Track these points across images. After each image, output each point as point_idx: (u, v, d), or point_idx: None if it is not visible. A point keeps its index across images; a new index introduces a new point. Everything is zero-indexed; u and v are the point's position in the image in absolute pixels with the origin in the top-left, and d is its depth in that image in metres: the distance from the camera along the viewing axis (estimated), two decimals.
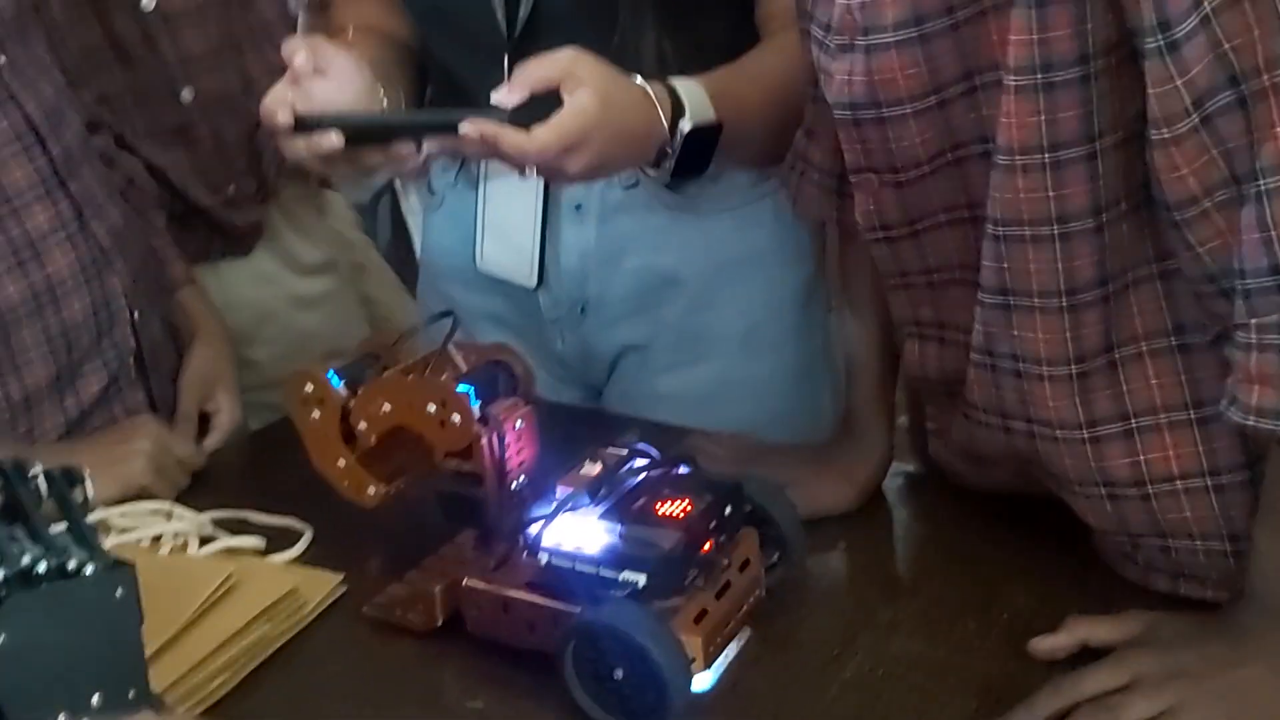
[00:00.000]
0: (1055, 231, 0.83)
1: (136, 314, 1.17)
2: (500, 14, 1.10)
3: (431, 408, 0.86)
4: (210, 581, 0.89)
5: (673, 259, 1.20)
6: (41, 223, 1.09)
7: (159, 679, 0.81)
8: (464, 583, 0.86)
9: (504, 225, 1.21)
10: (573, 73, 0.92)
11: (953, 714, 0.81)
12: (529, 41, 1.08)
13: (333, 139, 0.93)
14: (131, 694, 0.65)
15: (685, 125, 1.00)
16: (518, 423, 0.89)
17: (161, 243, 1.32)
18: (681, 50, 1.08)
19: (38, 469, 0.63)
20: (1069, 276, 0.84)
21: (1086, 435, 0.88)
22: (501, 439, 0.87)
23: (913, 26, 0.84)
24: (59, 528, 0.64)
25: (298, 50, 0.96)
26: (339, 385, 0.91)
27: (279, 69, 0.97)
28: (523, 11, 1.09)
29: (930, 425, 1.02)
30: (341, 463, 0.91)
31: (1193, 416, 0.86)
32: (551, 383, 1.29)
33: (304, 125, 0.93)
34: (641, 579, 0.80)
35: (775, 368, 1.23)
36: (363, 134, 0.95)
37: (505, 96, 0.91)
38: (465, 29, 1.13)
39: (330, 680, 0.87)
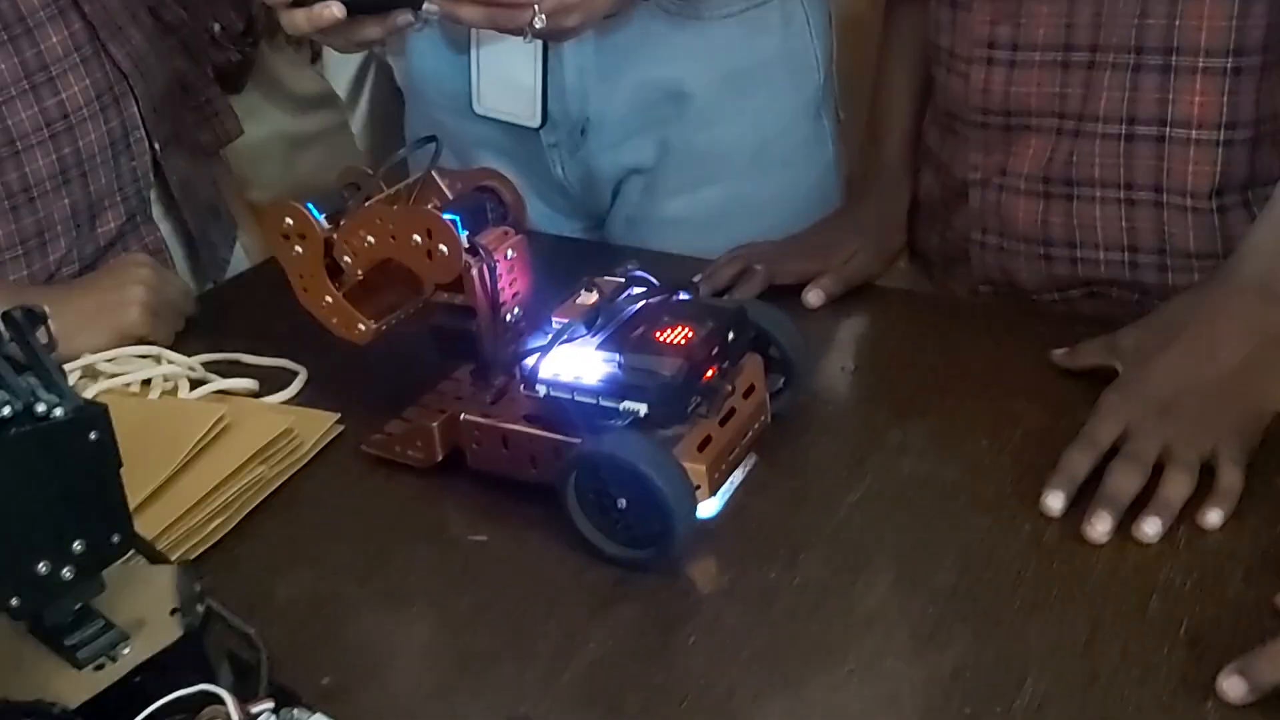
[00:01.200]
0: None
1: (158, 145, 1.13)
2: None
3: (417, 238, 0.83)
4: (203, 423, 0.88)
5: (676, 70, 1.15)
6: (54, 44, 1.05)
7: (154, 523, 0.80)
8: (461, 417, 0.84)
9: (501, 62, 1.16)
10: None
11: (965, 534, 0.79)
12: None
13: (333, 10, 0.91)
14: (115, 539, 0.63)
15: None
16: (509, 252, 0.85)
17: (209, 90, 1.28)
18: None
19: None
20: None
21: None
22: (493, 269, 0.84)
23: None
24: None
25: None
26: (320, 218, 0.86)
27: None
28: None
29: (974, 176, 1.03)
30: (329, 299, 0.87)
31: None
32: (550, 214, 1.26)
33: None
34: (643, 408, 0.78)
35: (787, 185, 1.20)
36: (362, 3, 0.92)
37: None
38: None
39: (330, 519, 0.86)
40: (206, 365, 1.00)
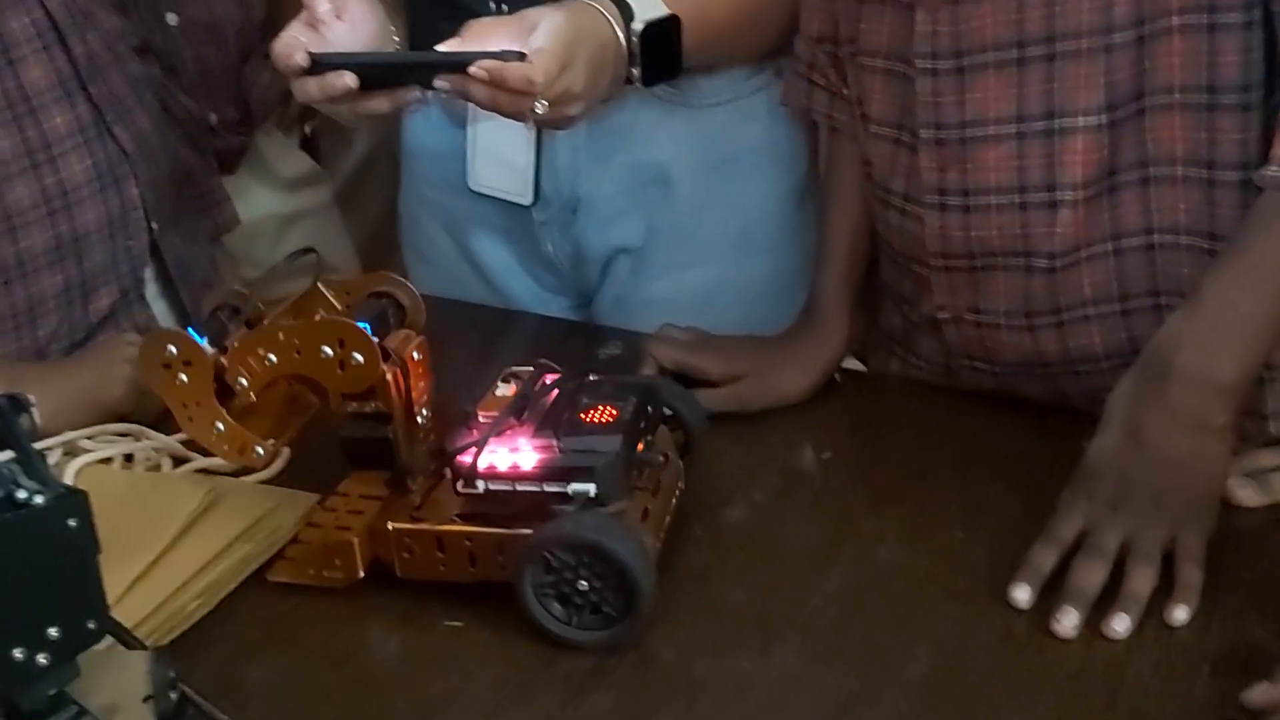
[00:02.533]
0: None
1: (156, 225, 1.15)
2: None
3: (328, 350, 0.80)
4: (191, 498, 0.88)
5: (665, 154, 1.17)
6: (59, 125, 1.07)
7: (139, 603, 0.80)
8: (390, 526, 0.82)
9: (496, 141, 1.18)
10: (526, 15, 0.93)
11: (937, 625, 0.80)
12: None
13: (346, 80, 0.92)
14: (91, 624, 0.64)
15: (637, 25, 0.99)
16: (415, 354, 0.85)
17: (211, 180, 1.31)
18: None
19: None
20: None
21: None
22: (406, 374, 0.84)
23: None
24: (6, 457, 0.62)
25: None
26: (203, 343, 0.85)
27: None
28: None
29: (944, 315, 1.00)
30: (220, 426, 0.84)
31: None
32: (539, 291, 1.27)
33: (318, 67, 0.92)
34: (591, 488, 0.79)
35: (770, 269, 1.21)
36: (374, 75, 0.94)
37: (472, 45, 0.91)
38: None
39: (305, 601, 0.85)
40: (186, 444, 1.01)
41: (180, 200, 1.23)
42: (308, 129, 1.52)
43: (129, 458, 0.98)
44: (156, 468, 0.98)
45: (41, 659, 0.61)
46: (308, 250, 0.89)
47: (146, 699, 0.65)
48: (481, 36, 0.93)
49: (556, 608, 0.80)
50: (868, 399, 1.07)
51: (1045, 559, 0.80)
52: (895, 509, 0.91)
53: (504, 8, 1.09)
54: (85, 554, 0.63)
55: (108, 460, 0.97)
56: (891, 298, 1.10)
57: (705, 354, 1.06)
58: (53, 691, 0.63)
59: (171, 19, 1.32)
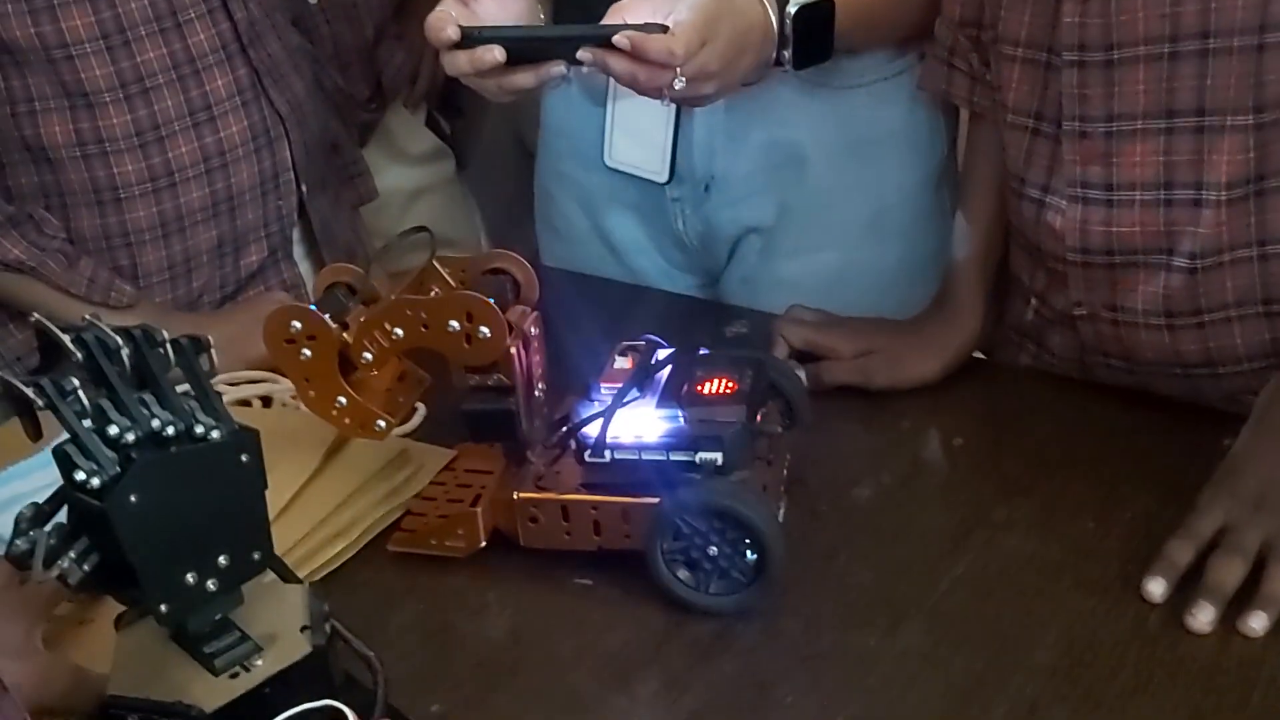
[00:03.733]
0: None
1: (305, 187, 1.20)
2: None
3: (454, 324, 0.82)
4: (326, 435, 0.90)
5: (802, 134, 1.17)
6: (219, 86, 1.13)
7: (281, 536, 0.83)
8: (516, 496, 0.84)
9: (634, 118, 1.20)
10: None
11: (1067, 614, 0.80)
12: None
13: (495, 54, 0.94)
14: (256, 555, 0.67)
15: (791, 8, 0.99)
16: (532, 329, 0.86)
17: (354, 152, 1.36)
18: None
19: (164, 336, 0.65)
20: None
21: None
22: (528, 348, 0.85)
23: None
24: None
25: None
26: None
27: None
28: None
29: (1080, 311, 0.99)
30: (343, 400, 0.86)
31: None
32: (667, 268, 1.29)
33: (468, 41, 0.94)
34: (718, 456, 0.80)
35: (902, 255, 1.21)
36: (522, 49, 0.96)
37: (623, 13, 0.92)
38: None
39: (443, 557, 0.87)
40: None
41: (327, 168, 1.28)
42: (442, 120, 1.56)
43: (266, 402, 1.02)
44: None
45: (210, 584, 0.65)
46: (421, 228, 0.91)
47: (303, 629, 0.68)
48: (627, 11, 0.94)
49: (685, 573, 0.81)
50: (999, 389, 1.07)
51: (1182, 554, 0.80)
52: (1026, 498, 0.91)
53: None
54: (254, 488, 0.66)
55: (245, 403, 1.01)
56: (1021, 291, 1.09)
57: (835, 331, 1.07)
58: (218, 616, 0.67)
59: None
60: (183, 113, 1.11)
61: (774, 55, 1.00)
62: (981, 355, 1.13)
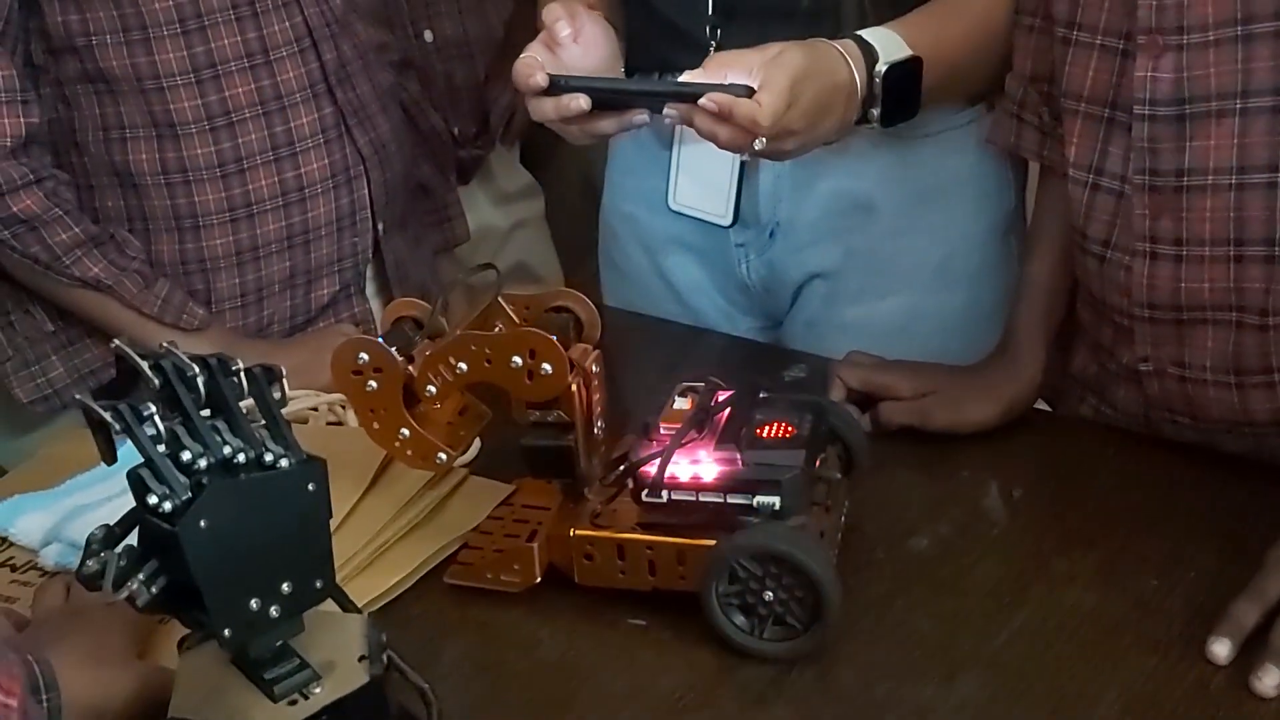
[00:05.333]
0: None
1: (381, 226, 1.22)
2: None
3: (518, 360, 0.83)
4: (376, 450, 0.91)
5: (869, 183, 1.18)
6: (304, 124, 1.16)
7: (338, 549, 0.83)
8: (572, 533, 0.85)
9: (701, 164, 1.21)
10: (765, 49, 0.94)
11: (1128, 672, 0.78)
12: None
13: (580, 103, 0.96)
14: (319, 584, 0.68)
15: (881, 67, 1.00)
16: (593, 367, 0.87)
17: (447, 196, 1.39)
18: (881, 3, 1.06)
19: (239, 365, 0.66)
20: None
21: None
22: (589, 385, 0.86)
23: None
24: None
25: (560, 19, 1.01)
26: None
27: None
28: None
29: (1146, 367, 0.98)
30: (406, 432, 0.87)
31: None
32: (729, 310, 1.29)
33: (555, 88, 0.96)
34: (776, 500, 0.80)
35: (968, 302, 1.20)
36: (606, 98, 0.98)
37: (712, 75, 0.93)
38: None
39: (497, 592, 0.88)
40: None
41: (412, 210, 1.30)
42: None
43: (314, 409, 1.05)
44: (339, 424, 1.03)
45: (273, 611, 0.66)
46: (488, 265, 0.92)
47: (361, 659, 0.69)
48: (721, 66, 0.95)
49: (740, 618, 0.81)
50: (1060, 441, 1.06)
51: (1248, 615, 0.78)
52: (1087, 552, 0.90)
53: (718, 33, 1.12)
54: (319, 517, 0.68)
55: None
56: (1088, 344, 1.09)
57: (894, 373, 1.07)
58: (279, 643, 0.68)
59: (428, 35, 1.40)
60: (265, 147, 1.14)
61: (860, 113, 1.01)
62: (1044, 406, 1.13)
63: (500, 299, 0.91)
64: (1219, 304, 0.92)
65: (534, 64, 0.97)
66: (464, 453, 0.98)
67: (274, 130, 1.14)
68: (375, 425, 0.88)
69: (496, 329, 0.90)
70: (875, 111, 1.01)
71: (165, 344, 0.66)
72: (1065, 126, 0.99)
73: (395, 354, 0.86)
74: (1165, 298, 0.94)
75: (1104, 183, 0.96)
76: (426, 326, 0.91)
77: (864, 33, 1.01)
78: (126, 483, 0.63)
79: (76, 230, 1.08)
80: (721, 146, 0.96)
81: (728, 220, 1.21)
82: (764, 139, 0.93)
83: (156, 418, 0.62)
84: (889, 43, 1.01)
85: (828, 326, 1.22)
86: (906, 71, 1.01)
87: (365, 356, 0.86)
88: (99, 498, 0.93)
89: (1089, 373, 1.09)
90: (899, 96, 1.01)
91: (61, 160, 1.14)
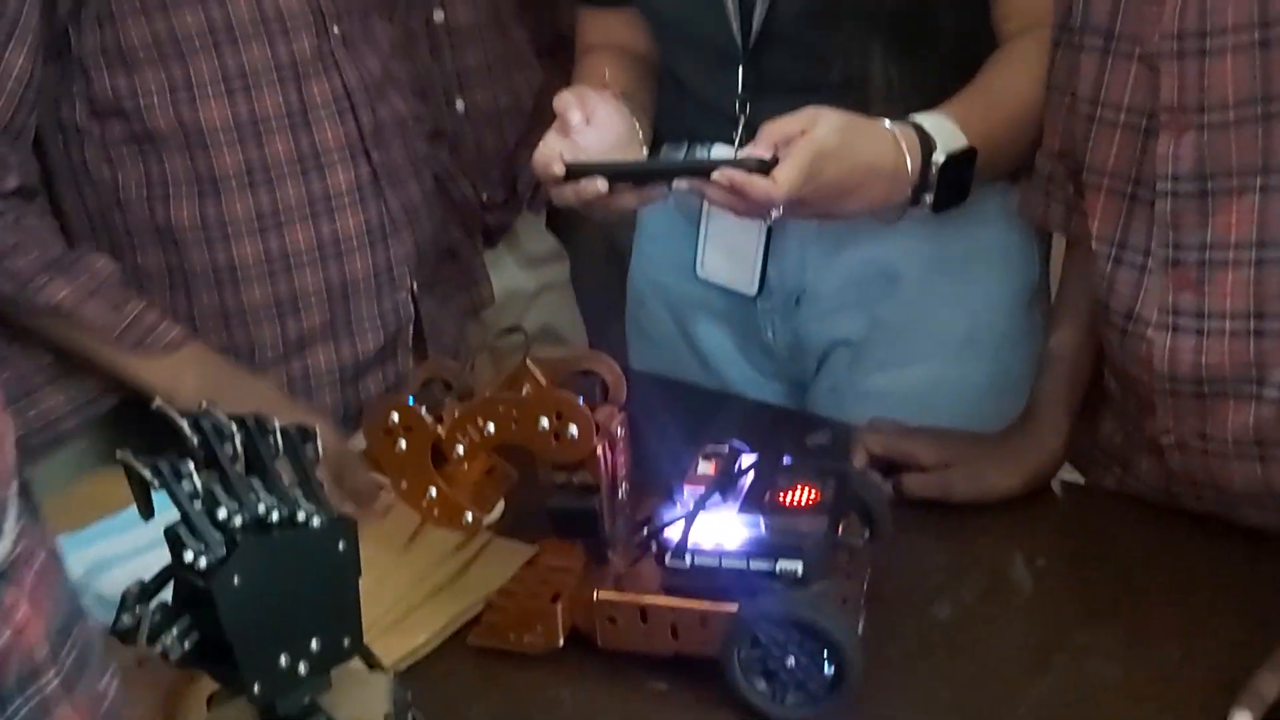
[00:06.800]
0: None
1: (415, 284, 1.25)
2: (735, 27, 1.13)
3: (545, 422, 0.84)
4: (406, 524, 0.93)
5: (895, 251, 1.19)
6: (340, 182, 1.18)
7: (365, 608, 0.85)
8: (596, 595, 0.85)
9: (727, 232, 1.23)
10: (813, 118, 0.96)
11: None
12: (761, 53, 1.12)
13: (598, 186, 0.99)
14: (346, 642, 0.69)
15: (939, 157, 1.02)
16: (618, 430, 0.88)
17: (474, 260, 1.41)
18: (909, 73, 1.09)
19: (275, 425, 0.68)
20: None
21: None
22: (614, 448, 0.87)
23: None
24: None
25: (570, 105, 1.04)
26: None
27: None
28: (755, 25, 1.12)
29: (1168, 439, 0.99)
30: (434, 492, 0.89)
31: None
32: (755, 376, 1.30)
33: (573, 174, 0.99)
34: (799, 566, 0.81)
35: (994, 372, 1.21)
36: (623, 178, 1.01)
37: (756, 152, 0.95)
38: (702, 41, 1.17)
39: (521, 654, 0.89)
40: None
41: (441, 273, 1.33)
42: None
43: None
44: None
45: (302, 667, 0.67)
46: (515, 328, 0.94)
47: (386, 717, 0.70)
48: (768, 128, 0.97)
49: (761, 683, 0.82)
50: (1083, 510, 1.06)
51: (1271, 687, 0.78)
52: (1109, 623, 0.90)
53: (747, 107, 1.15)
54: (349, 576, 0.69)
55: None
56: (1114, 413, 1.09)
57: (917, 440, 1.07)
58: (307, 700, 0.69)
59: (460, 105, 1.43)
60: (303, 202, 1.17)
61: (909, 197, 1.03)
62: (1076, 475, 1.13)
63: (528, 361, 0.93)
64: (1240, 378, 0.93)
65: (552, 154, 1.00)
66: (490, 513, 0.99)
67: (312, 187, 1.17)
68: (404, 484, 0.90)
69: (524, 391, 0.91)
70: (928, 198, 1.03)
71: (204, 403, 0.68)
72: (1088, 201, 1.00)
73: (425, 414, 0.88)
74: (1187, 371, 0.94)
75: (1126, 256, 0.98)
76: (456, 387, 0.93)
77: (921, 119, 1.03)
78: (155, 535, 0.65)
79: (38, 255, 1.08)
80: (739, 215, 0.98)
81: (753, 290, 1.23)
82: (780, 209, 0.95)
83: (195, 475, 0.64)
84: (946, 132, 1.03)
85: (852, 393, 1.23)
86: (961, 162, 1.03)
87: (396, 416, 0.88)
88: (127, 550, 0.93)
89: (1114, 443, 1.09)
90: (953, 185, 1.03)
91: (94, 223, 1.16)
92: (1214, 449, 0.96)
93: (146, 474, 0.64)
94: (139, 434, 0.71)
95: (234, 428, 0.66)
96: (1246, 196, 0.89)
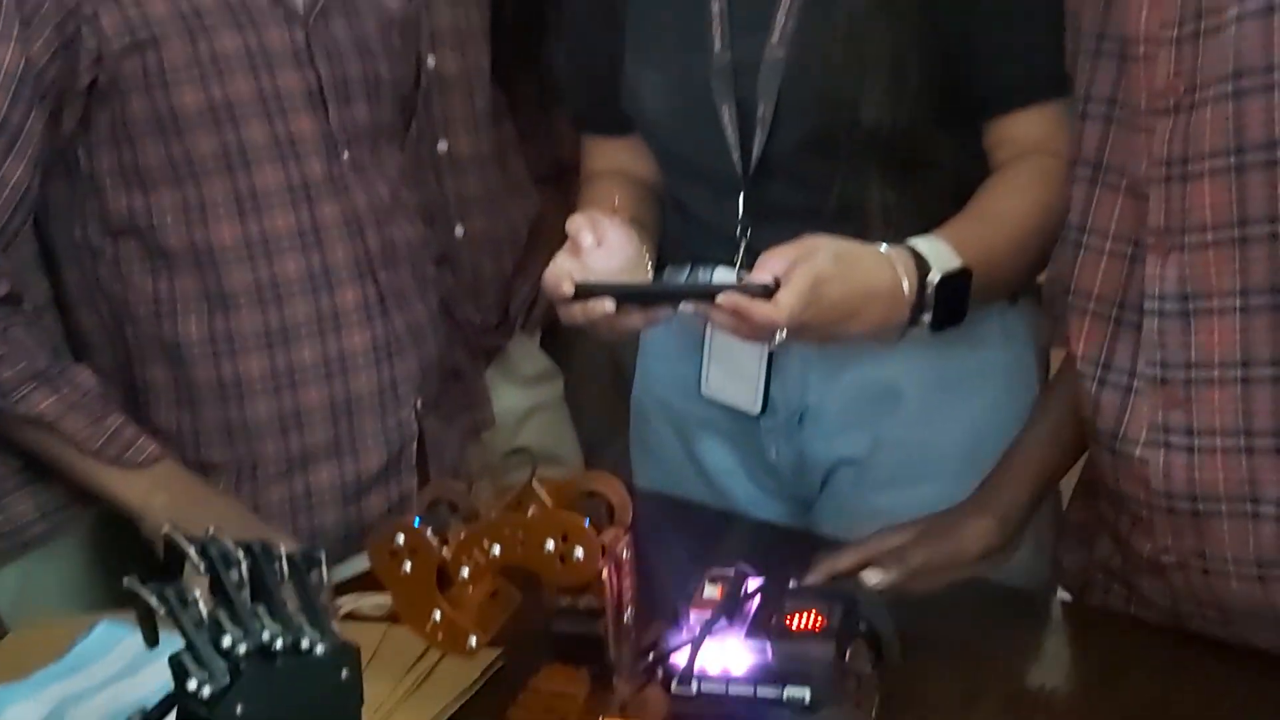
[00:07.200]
0: None
1: (419, 402, 1.25)
2: (736, 156, 1.16)
3: (550, 544, 0.84)
4: (369, 642, 0.92)
5: (895, 370, 1.20)
6: (348, 300, 1.20)
7: None
8: None
9: (730, 352, 1.24)
10: (811, 245, 0.98)
11: None
12: (761, 180, 1.15)
13: (607, 306, 1.00)
14: None
15: (934, 277, 1.04)
16: (624, 553, 0.88)
17: (477, 382, 1.43)
18: (905, 199, 1.11)
19: (281, 552, 0.68)
20: None
21: None
22: (620, 571, 0.87)
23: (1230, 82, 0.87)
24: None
25: (582, 228, 1.06)
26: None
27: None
28: (755, 154, 1.15)
29: (1168, 559, 0.98)
30: (438, 615, 0.88)
31: None
32: (759, 495, 1.30)
33: (582, 293, 1.01)
34: (806, 693, 0.80)
35: None
36: (630, 300, 1.03)
37: (758, 278, 0.97)
38: (703, 169, 1.20)
39: None
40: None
41: (444, 392, 1.34)
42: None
43: None
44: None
45: None
46: (521, 449, 0.95)
47: None
48: (767, 257, 0.99)
49: None
50: (1090, 633, 1.05)
51: None
52: None
53: (748, 232, 1.17)
54: (351, 703, 0.69)
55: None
56: (1109, 535, 1.09)
57: (875, 540, 1.06)
58: None
59: (459, 230, 1.46)
60: (311, 319, 1.19)
61: (907, 318, 1.04)
62: (1068, 596, 1.12)
63: (534, 483, 0.93)
64: (1235, 495, 0.93)
65: (562, 273, 1.02)
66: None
67: (320, 305, 1.19)
68: (408, 606, 0.89)
69: (530, 512, 0.92)
70: (926, 317, 1.05)
71: (210, 530, 0.68)
72: (1072, 325, 1.02)
73: (431, 535, 0.88)
74: (1181, 488, 0.95)
75: (1111, 378, 0.99)
76: (462, 509, 0.93)
77: (916, 242, 1.05)
78: (125, 663, 0.64)
79: (24, 366, 1.09)
80: (743, 339, 0.99)
81: (757, 409, 1.24)
82: (784, 333, 0.96)
83: (201, 603, 0.64)
84: (940, 253, 1.05)
85: (857, 513, 1.23)
86: (958, 282, 1.05)
87: (401, 538, 0.88)
88: (96, 682, 0.92)
89: (1113, 563, 1.09)
90: (950, 304, 1.05)
91: (105, 336, 1.18)
92: (1214, 568, 0.96)
93: (153, 601, 0.64)
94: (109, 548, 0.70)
95: (240, 554, 0.66)
96: (1227, 316, 0.90)
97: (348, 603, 1.05)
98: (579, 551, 0.84)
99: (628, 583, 0.89)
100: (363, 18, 1.22)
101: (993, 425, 1.21)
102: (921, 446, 1.22)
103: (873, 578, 1.03)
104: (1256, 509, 0.92)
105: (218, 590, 0.66)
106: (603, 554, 0.85)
